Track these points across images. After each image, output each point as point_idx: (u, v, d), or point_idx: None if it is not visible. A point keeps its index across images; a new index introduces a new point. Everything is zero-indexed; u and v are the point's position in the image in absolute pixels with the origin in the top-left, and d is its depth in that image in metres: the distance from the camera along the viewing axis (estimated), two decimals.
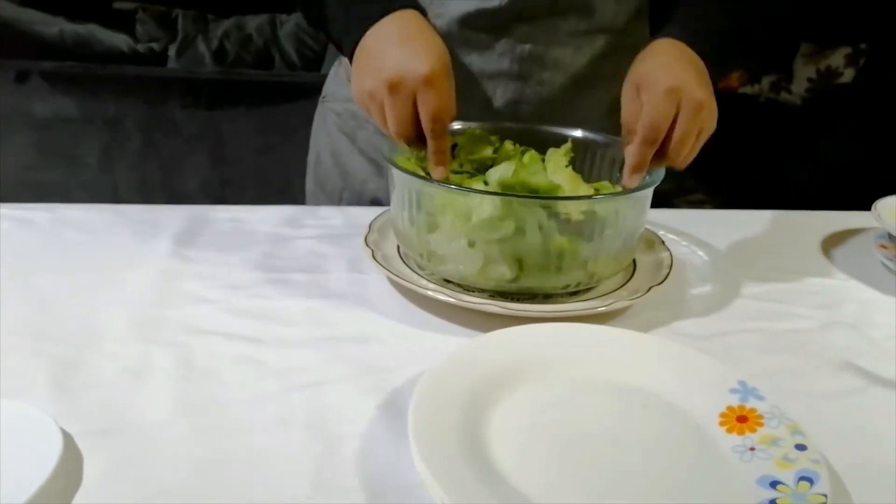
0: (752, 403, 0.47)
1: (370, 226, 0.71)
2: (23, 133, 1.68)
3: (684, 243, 0.79)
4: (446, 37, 0.79)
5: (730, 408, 0.47)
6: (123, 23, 1.76)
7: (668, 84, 0.61)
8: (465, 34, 0.79)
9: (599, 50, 0.82)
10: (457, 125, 0.74)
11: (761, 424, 0.45)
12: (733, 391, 0.48)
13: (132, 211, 0.80)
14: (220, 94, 1.74)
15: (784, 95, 3.75)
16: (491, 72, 0.81)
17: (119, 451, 0.45)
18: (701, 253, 0.77)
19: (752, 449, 0.43)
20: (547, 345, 0.53)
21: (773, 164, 3.22)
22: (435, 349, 0.57)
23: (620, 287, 0.64)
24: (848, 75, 3.48)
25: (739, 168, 3.53)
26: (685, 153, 0.63)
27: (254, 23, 1.80)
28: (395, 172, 0.62)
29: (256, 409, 0.49)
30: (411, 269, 0.65)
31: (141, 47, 1.74)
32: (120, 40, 1.73)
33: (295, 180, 1.04)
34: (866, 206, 0.88)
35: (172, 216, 0.79)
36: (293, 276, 0.68)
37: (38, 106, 1.69)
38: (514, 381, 0.50)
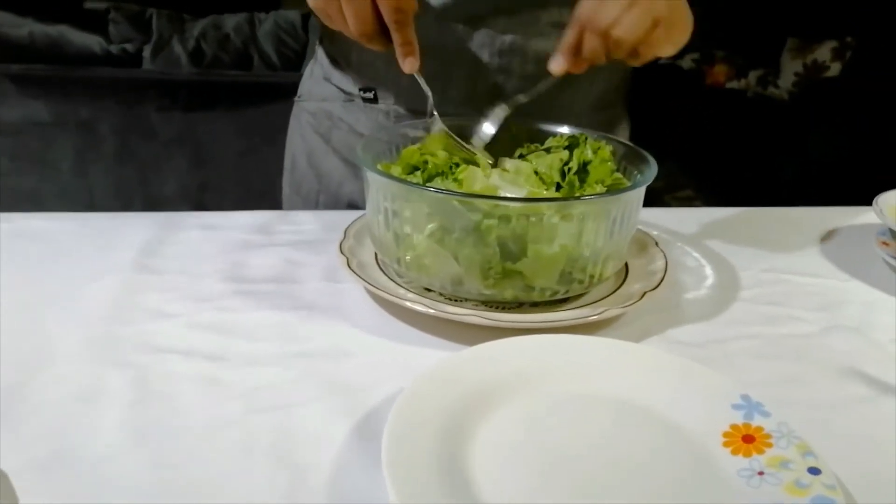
0: (757, 421, 0.43)
1: (346, 231, 0.67)
2: None
3: (678, 244, 0.75)
4: (426, 29, 0.75)
5: (734, 426, 0.43)
6: (96, 23, 1.71)
7: None
8: (443, 26, 0.75)
9: None
10: (438, 124, 0.70)
11: (769, 445, 0.41)
12: (736, 407, 0.44)
13: (96, 220, 0.76)
14: (198, 95, 1.69)
15: (771, 90, 3.73)
16: (470, 65, 0.77)
17: (62, 489, 0.40)
18: (696, 254, 0.73)
19: (760, 473, 0.39)
20: (534, 358, 0.49)
21: (762, 159, 3.20)
22: (414, 364, 0.53)
23: (612, 293, 0.60)
24: (835, 69, 3.47)
25: (728, 164, 3.51)
26: (629, 41, 0.60)
27: (231, 22, 1.75)
28: (370, 175, 0.58)
29: (216, 435, 0.45)
30: (389, 278, 0.61)
31: (114, 48, 1.68)
32: (92, 41, 1.68)
33: (276, 183, 1.00)
34: (857, 200, 0.85)
35: (139, 224, 0.75)
36: (263, 286, 0.63)
37: (7, 111, 1.63)
38: (498, 399, 0.46)
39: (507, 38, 0.75)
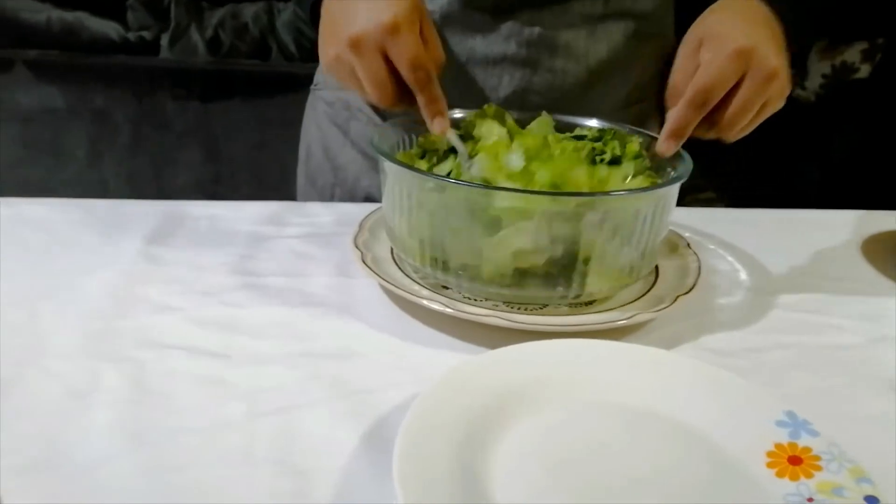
0: (805, 440, 0.39)
1: (360, 224, 0.64)
2: (6, 125, 1.61)
3: (710, 245, 0.71)
4: (446, 19, 0.72)
5: (778, 445, 0.39)
6: (113, 10, 1.69)
7: (739, 44, 0.52)
8: (466, 15, 0.71)
9: (618, 37, 0.74)
10: (457, 113, 0.66)
11: (819, 468, 0.37)
12: (781, 424, 0.41)
13: (101, 207, 0.73)
14: (214, 85, 1.66)
15: (798, 91, 3.66)
16: (495, 57, 0.73)
17: (51, 492, 0.37)
18: (729, 257, 0.69)
19: (810, 500, 0.35)
20: (557, 365, 0.45)
21: (785, 162, 3.14)
22: (427, 367, 0.49)
23: (642, 296, 0.56)
24: (864, 71, 3.39)
25: (752, 167, 3.44)
26: (741, 125, 0.56)
27: (250, 11, 1.72)
28: (387, 165, 0.55)
29: (216, 439, 0.42)
30: (405, 274, 0.58)
31: (131, 35, 1.66)
32: (109, 28, 1.66)
33: (291, 175, 0.97)
34: (884, 206, 0.81)
35: (145, 213, 0.72)
36: (270, 280, 0.60)
37: (22, 97, 1.62)
38: (518, 409, 0.43)
39: (535, 29, 0.71)
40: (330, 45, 0.56)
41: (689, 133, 0.56)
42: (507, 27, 0.72)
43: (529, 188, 0.50)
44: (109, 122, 1.67)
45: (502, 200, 0.48)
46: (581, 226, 0.49)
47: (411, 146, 0.63)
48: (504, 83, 0.75)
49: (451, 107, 0.65)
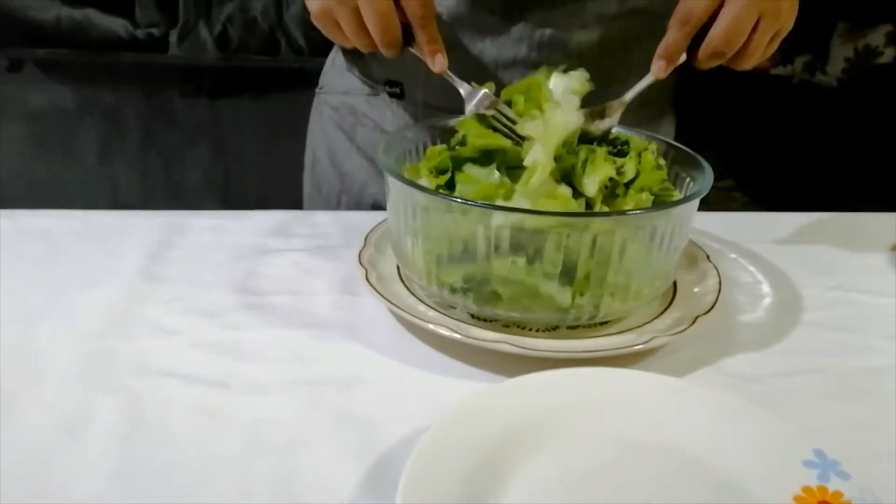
0: (835, 483, 0.37)
1: (366, 239, 0.62)
2: (17, 125, 1.61)
3: (731, 255, 0.68)
4: (454, 20, 0.69)
5: (806, 489, 0.37)
6: (122, 6, 1.67)
7: None
8: (476, 17, 0.68)
9: (632, 35, 0.71)
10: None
11: None
12: (809, 464, 0.38)
13: (102, 219, 0.71)
14: (224, 82, 1.64)
15: (819, 77, 3.57)
16: (506, 60, 0.70)
17: None
18: (751, 267, 0.66)
19: None
20: (573, 396, 0.43)
21: (807, 149, 3.07)
22: (435, 396, 0.47)
23: (659, 315, 0.54)
24: (889, 55, 3.30)
25: (772, 154, 3.38)
26: (736, 44, 0.54)
27: (259, 5, 1.70)
28: (392, 182, 0.52)
29: (213, 476, 0.40)
30: (410, 292, 0.56)
31: (140, 33, 1.64)
32: (118, 25, 1.64)
33: (301, 172, 0.95)
34: None
35: (147, 224, 0.70)
36: (274, 298, 0.58)
37: (32, 96, 1.61)
38: (531, 443, 0.40)
39: (547, 31, 0.68)
40: None
41: (679, 53, 0.55)
42: (518, 29, 0.69)
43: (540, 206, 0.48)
44: (119, 120, 1.66)
45: (510, 220, 0.46)
46: (595, 245, 0.46)
47: (419, 157, 0.60)
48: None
49: (458, 113, 0.62)
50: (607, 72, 0.72)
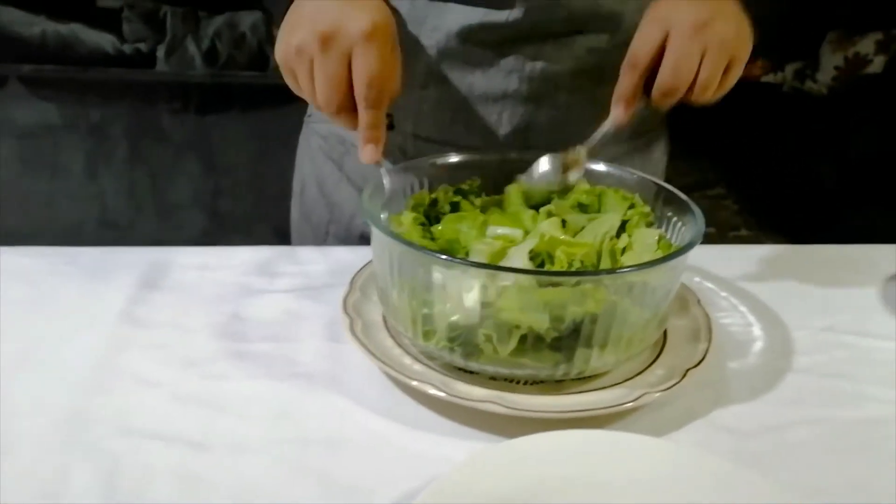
0: None
1: (352, 282, 0.61)
2: (3, 142, 1.59)
3: (721, 293, 0.68)
4: (443, 55, 0.68)
5: None
6: (109, 22, 1.66)
7: (660, 8, 0.55)
8: (465, 50, 0.67)
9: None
10: (453, 157, 0.63)
11: None
12: None
13: (86, 256, 0.70)
14: (211, 98, 1.62)
15: (809, 84, 3.58)
16: (496, 94, 0.69)
17: None
18: (742, 307, 0.65)
19: None
20: (569, 465, 0.42)
21: (798, 157, 3.07)
22: (423, 458, 0.46)
23: (648, 366, 0.53)
24: (878, 63, 3.31)
25: (762, 162, 3.38)
26: (712, 91, 0.55)
27: (247, 20, 1.68)
28: (377, 232, 0.51)
29: None
30: (396, 343, 0.54)
31: (127, 48, 1.63)
32: (105, 41, 1.62)
33: (291, 187, 0.94)
34: (894, 203, 0.76)
35: (131, 262, 0.69)
36: (258, 346, 0.57)
37: (18, 113, 1.59)
38: None
39: (539, 64, 0.67)
40: (295, 35, 0.53)
41: (634, 96, 0.57)
42: (509, 62, 0.68)
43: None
44: (106, 136, 1.64)
45: (496, 279, 0.45)
46: (582, 303, 0.45)
47: (405, 200, 0.59)
48: (504, 120, 0.71)
49: (448, 146, 0.61)
50: (600, 104, 0.71)
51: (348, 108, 0.54)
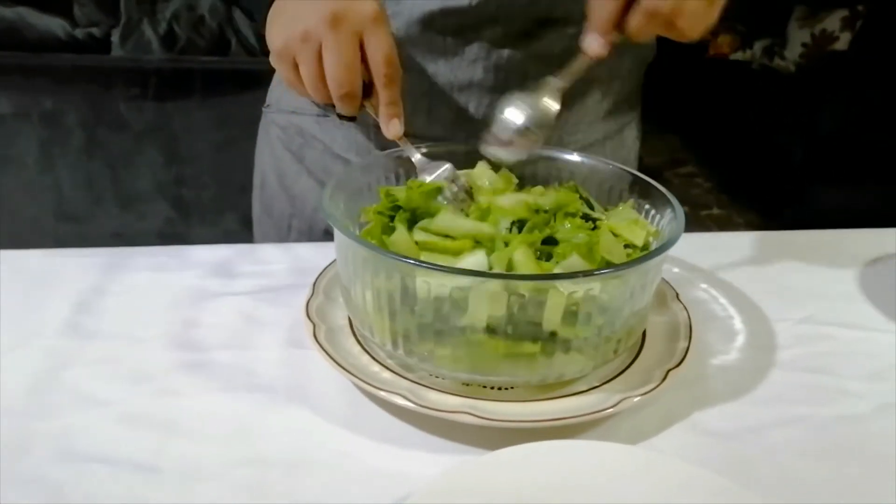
0: None
1: (314, 285, 0.57)
2: None
3: (701, 285, 0.66)
4: (405, 40, 0.64)
5: None
6: (59, 5, 1.58)
7: None
8: (427, 37, 0.64)
9: None
10: (422, 149, 0.60)
11: None
12: None
13: (32, 260, 0.66)
14: (171, 83, 1.56)
15: (777, 62, 3.59)
16: (461, 83, 0.66)
17: None
18: (722, 299, 0.63)
19: None
20: (548, 478, 0.40)
21: (767, 134, 3.08)
22: (392, 476, 0.43)
23: (626, 368, 0.50)
24: (844, 39, 3.32)
25: (732, 139, 3.39)
26: (695, 21, 0.49)
27: (206, 2, 1.61)
28: (339, 236, 0.48)
29: None
30: (363, 349, 0.51)
31: (79, 33, 1.55)
32: (56, 25, 1.55)
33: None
34: (868, 179, 0.74)
35: (81, 265, 0.65)
36: (215, 355, 0.54)
37: None
38: None
39: (504, 52, 0.64)
40: (296, 22, 0.51)
41: (611, 23, 0.50)
42: (473, 51, 0.64)
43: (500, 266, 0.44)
44: (60, 125, 1.56)
45: (462, 282, 0.42)
46: (553, 307, 0.43)
47: (371, 195, 0.56)
48: (471, 109, 0.68)
49: (412, 137, 0.58)
50: (569, 91, 0.68)
51: (356, 90, 0.53)
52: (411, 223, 0.49)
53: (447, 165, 0.56)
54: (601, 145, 0.76)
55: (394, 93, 0.54)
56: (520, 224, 0.48)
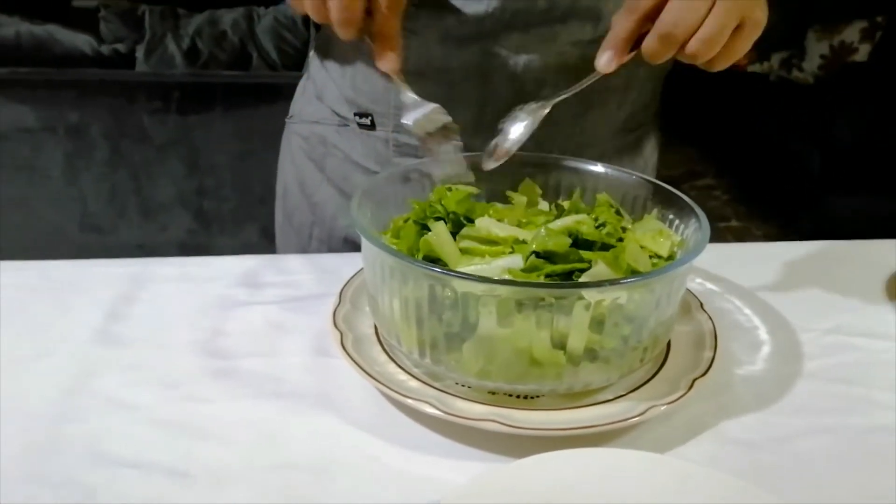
0: None
1: (341, 294, 0.58)
2: None
3: (725, 295, 0.65)
4: (424, 48, 0.65)
5: None
6: (86, 22, 1.61)
7: None
8: (445, 47, 0.65)
9: None
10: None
11: None
12: None
13: (59, 270, 0.67)
14: (193, 97, 1.58)
15: (795, 73, 3.57)
16: (478, 88, 0.67)
17: None
18: (746, 310, 0.63)
19: None
20: (579, 487, 0.40)
21: (785, 146, 3.06)
22: (420, 481, 0.43)
23: (652, 377, 0.50)
24: (863, 51, 3.30)
25: (750, 152, 3.37)
26: (714, 49, 0.49)
27: (228, 18, 1.64)
28: (367, 245, 0.49)
29: None
30: (390, 357, 0.52)
31: (105, 49, 1.58)
32: (82, 41, 1.58)
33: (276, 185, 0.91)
34: (886, 191, 0.74)
35: (108, 275, 0.66)
36: (243, 362, 0.54)
37: None
38: None
39: (521, 58, 0.65)
40: None
41: (626, 42, 0.51)
42: (490, 57, 0.65)
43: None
44: (85, 138, 1.59)
45: (494, 291, 0.42)
46: (578, 317, 0.43)
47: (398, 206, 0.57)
48: (489, 115, 0.68)
49: None
50: (586, 97, 0.69)
51: (355, 16, 0.51)
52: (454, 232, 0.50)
53: (434, 105, 0.55)
54: (618, 157, 0.76)
55: (393, 24, 0.52)
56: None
